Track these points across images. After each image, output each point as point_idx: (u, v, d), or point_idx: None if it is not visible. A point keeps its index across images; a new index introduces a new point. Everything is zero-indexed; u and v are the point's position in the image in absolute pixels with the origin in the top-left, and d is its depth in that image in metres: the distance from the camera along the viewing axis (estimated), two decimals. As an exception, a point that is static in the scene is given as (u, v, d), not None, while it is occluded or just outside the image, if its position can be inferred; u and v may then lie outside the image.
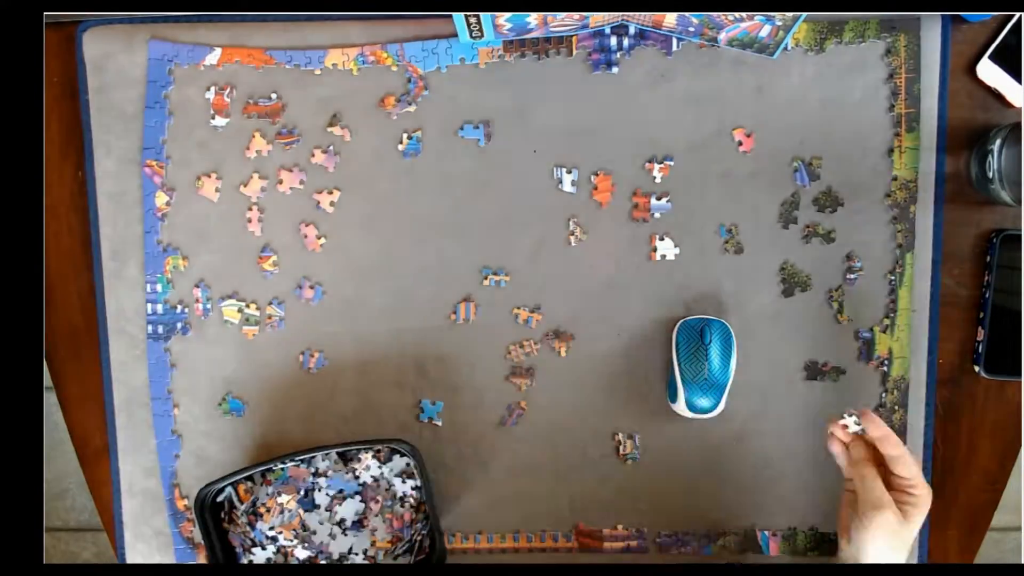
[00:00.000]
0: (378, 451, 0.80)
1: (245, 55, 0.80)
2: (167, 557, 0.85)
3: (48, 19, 0.79)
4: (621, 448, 0.82)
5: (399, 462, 0.80)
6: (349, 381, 0.82)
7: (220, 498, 0.80)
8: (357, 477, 0.80)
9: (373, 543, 0.81)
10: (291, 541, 0.81)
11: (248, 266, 0.82)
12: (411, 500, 0.80)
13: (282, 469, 0.80)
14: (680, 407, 0.78)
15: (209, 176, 0.81)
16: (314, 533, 0.81)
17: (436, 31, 0.80)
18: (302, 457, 0.79)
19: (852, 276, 0.80)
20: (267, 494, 0.80)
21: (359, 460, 0.80)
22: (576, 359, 0.82)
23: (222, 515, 0.80)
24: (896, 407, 0.81)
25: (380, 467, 0.80)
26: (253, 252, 0.82)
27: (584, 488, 0.83)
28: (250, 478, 0.80)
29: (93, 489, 0.86)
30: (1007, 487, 0.81)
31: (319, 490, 0.81)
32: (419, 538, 0.80)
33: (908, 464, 0.68)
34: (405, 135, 0.80)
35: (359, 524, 0.81)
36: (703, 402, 0.77)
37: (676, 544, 0.83)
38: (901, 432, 0.81)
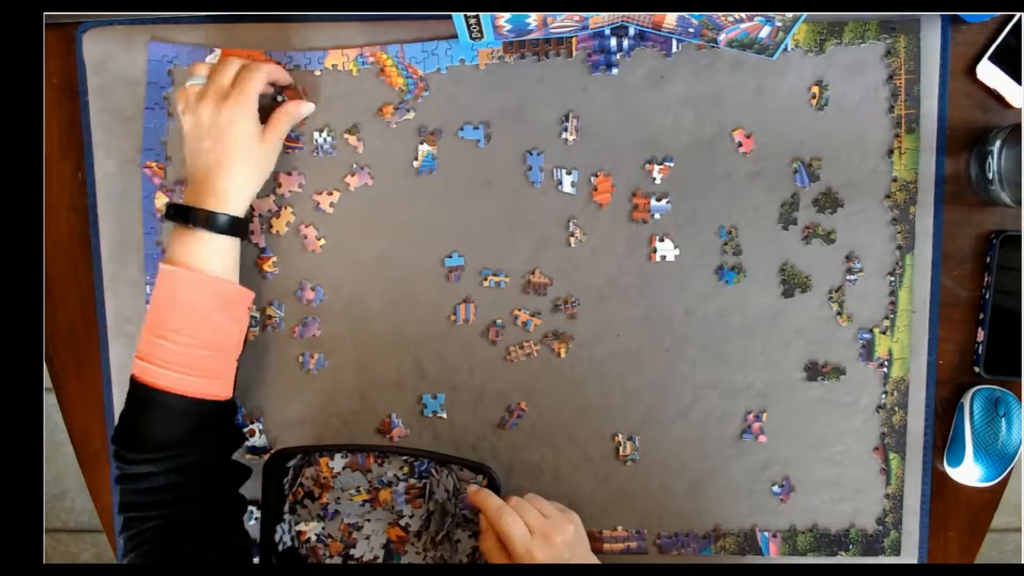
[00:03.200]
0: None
1: (245, 56, 0.80)
2: (167, 558, 0.85)
3: (48, 20, 0.79)
4: (621, 449, 0.82)
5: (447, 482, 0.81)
6: (349, 382, 0.82)
7: (290, 463, 0.80)
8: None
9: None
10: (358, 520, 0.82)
11: (248, 267, 0.82)
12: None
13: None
14: (962, 473, 0.79)
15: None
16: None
17: (436, 32, 0.80)
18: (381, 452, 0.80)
19: (852, 277, 0.80)
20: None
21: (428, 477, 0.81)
22: (576, 360, 0.82)
23: (284, 481, 0.80)
24: (896, 408, 0.81)
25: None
26: (253, 253, 0.82)
27: (584, 489, 0.83)
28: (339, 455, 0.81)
29: (93, 491, 0.86)
30: (1007, 488, 0.81)
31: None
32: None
33: (502, 529, 0.70)
34: (421, 150, 0.80)
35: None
36: (989, 472, 0.79)
37: (676, 544, 0.83)
38: (901, 433, 0.81)
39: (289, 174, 0.81)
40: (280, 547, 0.79)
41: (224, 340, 0.72)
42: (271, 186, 0.81)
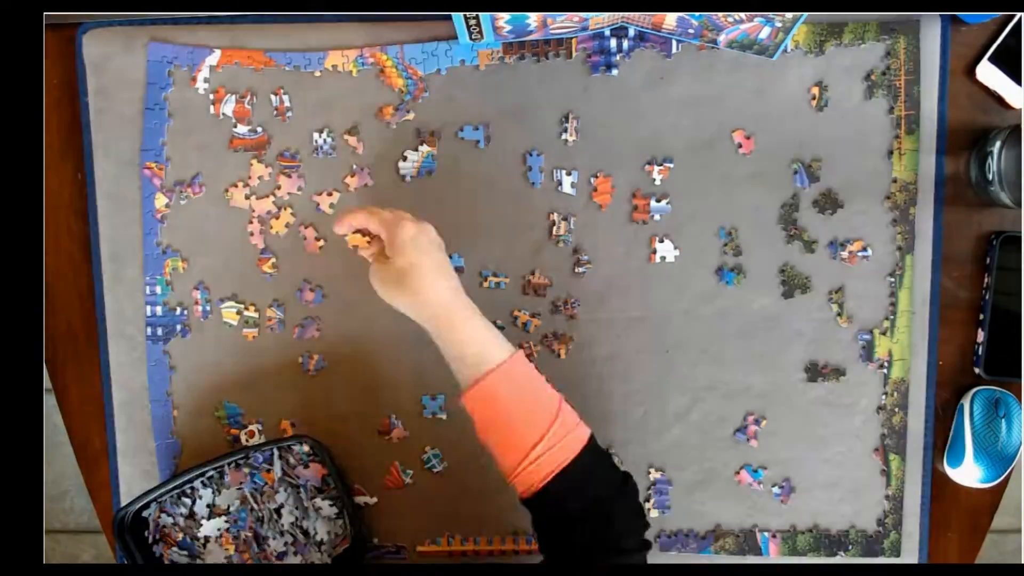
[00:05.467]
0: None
1: (245, 57, 0.80)
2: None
3: (48, 20, 0.79)
4: (617, 460, 0.82)
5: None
6: (349, 383, 0.82)
7: (145, 513, 0.80)
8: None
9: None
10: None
11: (247, 268, 0.82)
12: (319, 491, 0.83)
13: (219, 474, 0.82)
14: (962, 474, 0.79)
15: (236, 186, 0.81)
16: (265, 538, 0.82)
17: (436, 33, 0.80)
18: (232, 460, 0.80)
19: (852, 278, 0.80)
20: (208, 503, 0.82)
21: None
22: (576, 361, 0.82)
23: (146, 533, 0.80)
24: (896, 409, 0.81)
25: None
26: (252, 254, 0.82)
27: (584, 490, 0.83)
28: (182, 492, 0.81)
29: (92, 491, 0.86)
30: (1007, 489, 0.81)
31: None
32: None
33: (361, 220, 0.69)
34: (421, 151, 0.80)
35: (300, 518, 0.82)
36: (989, 472, 0.79)
37: (676, 544, 0.83)
38: (901, 434, 0.81)
39: (288, 176, 0.81)
40: None
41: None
42: (271, 187, 0.81)
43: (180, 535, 0.81)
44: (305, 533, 0.82)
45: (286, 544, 0.82)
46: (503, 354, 0.66)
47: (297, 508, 0.82)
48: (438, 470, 0.83)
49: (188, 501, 0.81)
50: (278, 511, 0.82)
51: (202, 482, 0.81)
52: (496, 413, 0.66)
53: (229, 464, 0.81)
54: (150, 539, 0.80)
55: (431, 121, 0.80)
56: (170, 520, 0.81)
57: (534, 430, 0.65)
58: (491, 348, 0.67)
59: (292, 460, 0.82)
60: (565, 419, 0.66)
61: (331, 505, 0.82)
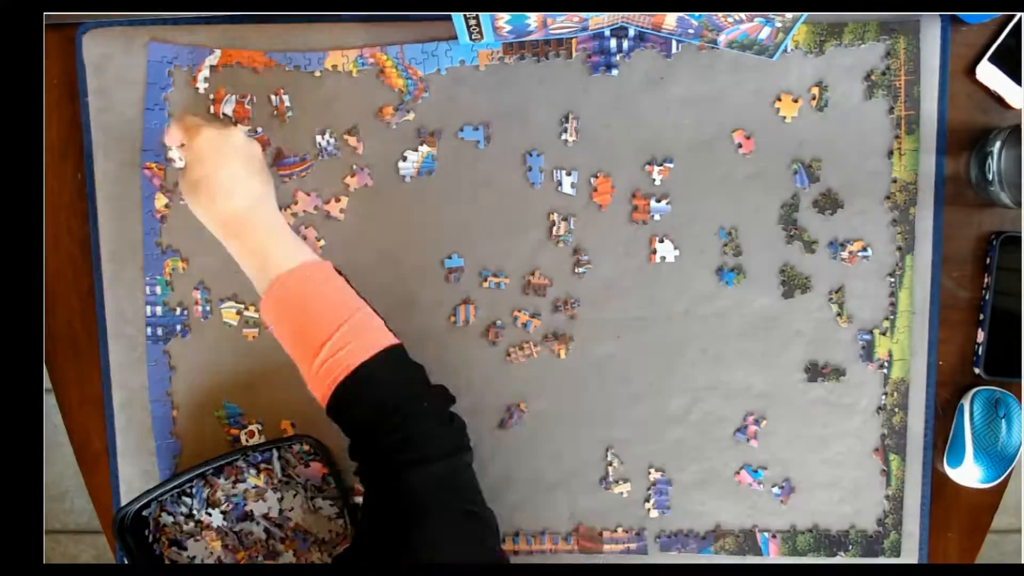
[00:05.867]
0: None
1: (245, 57, 0.80)
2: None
3: (48, 20, 0.79)
4: (615, 463, 0.82)
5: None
6: (349, 383, 0.82)
7: (145, 512, 0.80)
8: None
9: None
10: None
11: (248, 268, 0.82)
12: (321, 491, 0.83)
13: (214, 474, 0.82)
14: (962, 474, 0.79)
15: None
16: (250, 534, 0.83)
17: (436, 33, 0.80)
18: (221, 463, 0.80)
19: (852, 278, 0.80)
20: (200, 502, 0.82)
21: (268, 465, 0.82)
22: (576, 361, 0.82)
23: (146, 532, 0.80)
24: (896, 409, 0.81)
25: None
26: (253, 254, 0.82)
27: (585, 489, 0.83)
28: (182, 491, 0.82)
29: (92, 492, 0.86)
30: (1007, 489, 0.81)
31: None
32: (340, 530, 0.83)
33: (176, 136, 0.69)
34: (421, 151, 0.80)
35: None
36: (990, 472, 0.79)
37: (676, 544, 0.83)
38: (901, 434, 0.81)
39: (308, 194, 0.81)
40: None
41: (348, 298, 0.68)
42: (286, 202, 0.81)
43: (179, 533, 0.81)
44: (305, 533, 0.82)
45: (286, 544, 0.82)
46: (304, 259, 0.65)
47: (297, 508, 0.82)
48: (438, 470, 0.83)
49: (188, 500, 0.81)
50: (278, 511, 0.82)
51: (202, 481, 0.81)
52: (289, 316, 0.64)
53: (229, 464, 0.81)
54: (150, 537, 0.80)
55: (431, 121, 0.80)
56: (170, 519, 0.81)
57: (323, 333, 0.63)
58: (292, 254, 0.65)
59: (292, 460, 0.82)
60: (357, 325, 0.64)
61: (331, 505, 0.82)
